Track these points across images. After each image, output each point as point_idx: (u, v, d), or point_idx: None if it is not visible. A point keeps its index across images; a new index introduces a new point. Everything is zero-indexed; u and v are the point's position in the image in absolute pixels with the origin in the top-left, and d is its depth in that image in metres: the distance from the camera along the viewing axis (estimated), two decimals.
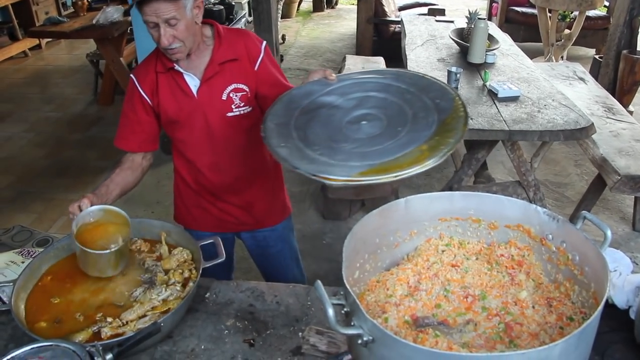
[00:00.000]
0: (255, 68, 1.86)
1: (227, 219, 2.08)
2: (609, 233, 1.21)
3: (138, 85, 1.84)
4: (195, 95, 1.83)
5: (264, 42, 1.90)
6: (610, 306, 1.41)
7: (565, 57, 6.36)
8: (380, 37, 6.49)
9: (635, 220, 3.51)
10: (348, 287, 1.10)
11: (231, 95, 1.85)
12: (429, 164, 1.34)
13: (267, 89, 1.88)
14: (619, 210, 3.73)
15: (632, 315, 1.37)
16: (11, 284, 1.53)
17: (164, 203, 3.84)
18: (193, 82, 1.83)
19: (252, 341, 1.50)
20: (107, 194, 1.76)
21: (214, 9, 4.80)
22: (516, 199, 1.38)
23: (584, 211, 1.29)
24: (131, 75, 1.87)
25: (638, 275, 1.42)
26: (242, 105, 1.87)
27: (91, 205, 1.65)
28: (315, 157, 1.44)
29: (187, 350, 1.47)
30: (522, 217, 1.37)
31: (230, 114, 1.86)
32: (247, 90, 1.87)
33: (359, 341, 1.05)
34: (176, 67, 1.80)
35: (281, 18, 8.45)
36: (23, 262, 1.77)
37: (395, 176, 1.33)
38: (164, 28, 1.64)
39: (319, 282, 1.07)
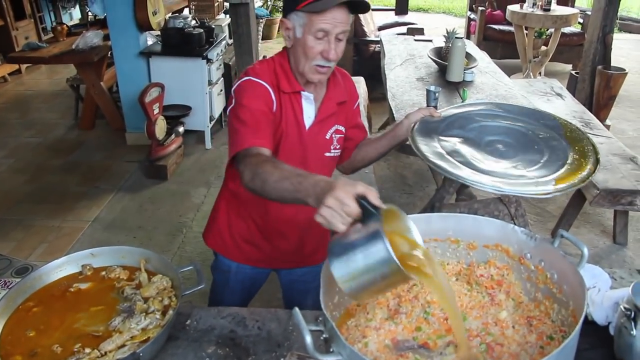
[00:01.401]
0: (354, 108, 1.86)
1: (276, 257, 1.95)
2: (585, 251, 1.21)
3: (266, 85, 1.61)
4: (307, 128, 1.72)
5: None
6: (590, 323, 1.42)
7: (543, 73, 6.47)
8: (360, 57, 6.56)
9: (615, 233, 3.54)
10: (326, 313, 1.10)
11: (333, 136, 1.78)
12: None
13: (353, 131, 1.88)
14: (599, 223, 3.77)
15: (612, 332, 1.37)
16: None
17: (145, 228, 3.80)
18: (308, 114, 1.71)
19: None
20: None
21: (194, 32, 4.81)
22: (493, 219, 1.39)
23: (560, 229, 1.30)
24: (248, 77, 1.62)
25: (617, 291, 1.43)
26: (338, 147, 1.81)
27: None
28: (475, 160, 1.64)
29: None
30: (500, 236, 1.38)
31: (327, 154, 1.79)
32: (344, 131, 1.81)
33: None
34: (303, 92, 1.67)
35: (262, 39, 8.50)
36: None
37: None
38: (334, 42, 1.53)
39: (296, 309, 1.07)
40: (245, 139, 1.52)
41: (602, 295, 1.43)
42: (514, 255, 1.37)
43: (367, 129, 3.86)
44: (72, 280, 1.67)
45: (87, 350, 1.42)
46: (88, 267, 1.71)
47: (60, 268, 1.70)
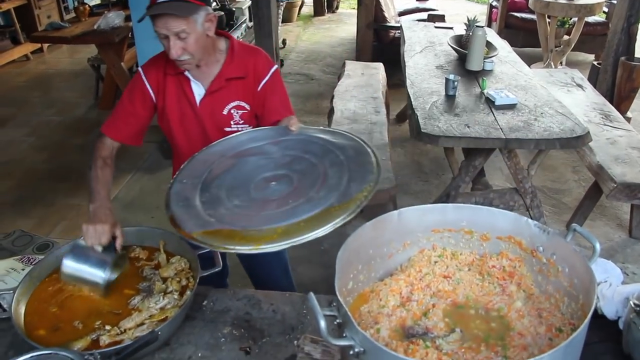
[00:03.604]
0: (258, 89, 1.90)
1: None
2: (597, 246, 1.23)
3: (145, 80, 1.88)
4: (198, 104, 1.88)
5: (275, 67, 1.93)
6: (599, 317, 1.43)
7: (564, 63, 6.39)
8: (380, 42, 6.52)
9: (632, 227, 3.52)
10: (340, 299, 1.13)
11: (232, 111, 1.90)
12: (263, 249, 1.36)
13: (264, 113, 1.92)
14: (616, 217, 3.75)
15: (621, 326, 1.39)
16: (11, 291, 1.55)
17: (163, 208, 3.85)
18: (198, 91, 1.88)
19: (248, 349, 1.52)
20: (110, 205, 1.74)
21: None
22: (508, 212, 1.40)
23: (574, 224, 1.31)
24: (139, 68, 1.91)
25: (628, 286, 1.44)
26: (241, 122, 1.91)
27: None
28: (194, 203, 1.56)
29: (184, 357, 1.49)
30: (514, 229, 1.40)
31: (228, 129, 1.91)
32: (249, 108, 1.91)
33: (351, 352, 1.07)
34: (186, 72, 1.85)
35: (282, 22, 8.48)
36: (23, 270, 1.78)
37: (224, 247, 1.42)
38: (174, 40, 1.68)
39: (312, 294, 1.10)
40: (106, 124, 1.91)
41: (614, 289, 1.44)
42: (526, 247, 1.38)
43: (386, 115, 3.87)
44: None
45: (108, 327, 1.47)
46: None
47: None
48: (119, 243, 1.63)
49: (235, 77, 1.88)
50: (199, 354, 1.50)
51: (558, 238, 1.30)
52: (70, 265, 1.59)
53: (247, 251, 1.38)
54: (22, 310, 1.53)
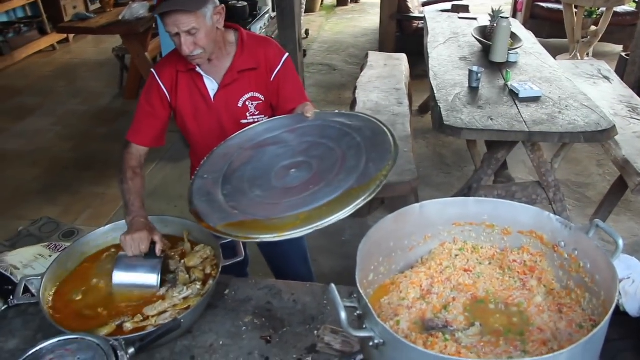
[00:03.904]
0: (271, 78, 1.91)
1: None
2: (620, 242, 1.22)
3: (158, 79, 1.90)
4: (212, 99, 1.90)
5: (286, 55, 1.93)
6: (621, 313, 1.42)
7: (591, 54, 6.27)
8: (403, 33, 6.47)
9: None
10: (361, 291, 1.14)
11: (247, 103, 1.91)
12: (287, 235, 1.37)
13: (280, 101, 1.93)
14: None
15: None
16: (39, 277, 1.59)
17: (186, 197, 3.90)
18: (212, 86, 1.89)
19: (269, 338, 1.54)
20: (146, 214, 1.76)
21: (238, 5, 4.84)
22: (529, 206, 1.40)
23: (596, 219, 1.30)
24: (152, 70, 1.93)
25: None
26: (256, 113, 1.93)
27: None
28: (217, 197, 1.58)
29: (206, 345, 1.52)
30: (535, 223, 1.39)
31: (244, 121, 1.92)
32: (263, 99, 1.92)
33: (371, 343, 1.08)
34: (197, 69, 1.86)
35: (305, 12, 8.47)
36: (50, 256, 1.84)
37: (248, 237, 1.43)
38: (185, 37, 1.69)
39: (333, 285, 1.11)
40: (132, 132, 1.93)
41: (637, 286, 1.43)
42: (547, 242, 1.38)
43: (408, 107, 3.85)
44: (119, 247, 1.75)
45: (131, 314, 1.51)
46: None
47: (107, 234, 1.79)
48: (158, 248, 1.64)
49: (248, 68, 1.88)
50: (221, 342, 1.53)
51: (580, 233, 1.29)
52: (120, 277, 1.61)
53: (271, 239, 1.40)
54: (51, 295, 1.57)
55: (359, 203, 1.38)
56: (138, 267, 1.62)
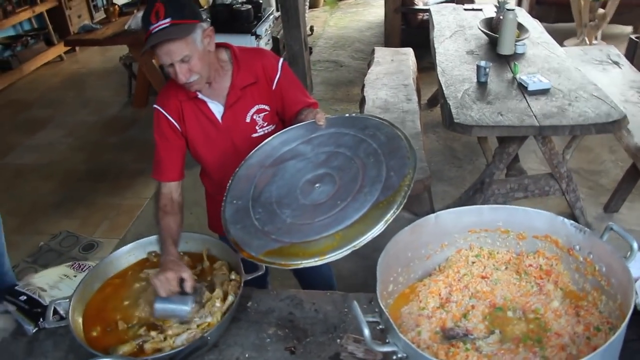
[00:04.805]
0: (273, 87, 1.92)
1: None
2: (635, 245, 1.23)
3: (165, 113, 1.89)
4: (220, 121, 1.90)
5: (281, 60, 1.94)
6: (638, 313, 1.43)
7: (599, 38, 6.22)
8: (409, 26, 6.46)
9: None
10: (382, 305, 1.17)
11: (254, 117, 1.92)
12: (329, 258, 1.40)
13: (286, 106, 1.95)
14: None
15: None
16: (67, 299, 1.64)
17: (201, 204, 3.89)
18: (217, 109, 1.89)
19: (293, 349, 1.58)
20: (175, 252, 1.74)
21: (242, 8, 4.86)
22: (543, 211, 1.41)
23: (610, 222, 1.32)
24: (155, 106, 1.91)
25: None
26: (265, 125, 1.94)
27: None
28: (251, 222, 1.60)
29: (232, 358, 1.56)
30: (550, 228, 1.41)
31: (255, 135, 1.93)
32: (269, 109, 1.93)
33: (394, 357, 1.12)
34: (199, 95, 1.86)
35: (308, 8, 8.46)
36: (75, 276, 1.88)
37: (291, 264, 1.45)
38: (179, 66, 1.68)
39: (355, 303, 1.14)
40: (156, 171, 1.93)
41: None
42: (562, 246, 1.40)
43: (417, 102, 3.86)
44: (141, 266, 1.80)
45: (153, 333, 1.56)
46: (154, 254, 1.83)
47: (129, 254, 1.84)
48: (187, 285, 1.61)
49: (249, 84, 1.88)
50: (246, 355, 1.57)
51: (594, 237, 1.31)
52: (159, 309, 1.61)
53: (314, 264, 1.42)
54: (80, 316, 1.62)
55: (389, 218, 1.42)
56: (173, 300, 1.61)
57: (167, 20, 1.62)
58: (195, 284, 1.63)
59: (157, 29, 1.62)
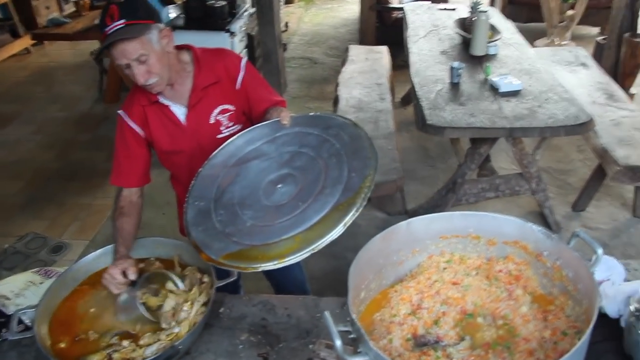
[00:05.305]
0: (237, 87, 1.91)
1: None
2: (600, 252, 1.27)
3: (128, 120, 1.88)
4: (184, 123, 1.89)
5: (244, 60, 1.93)
6: (602, 315, 1.47)
7: (569, 38, 6.33)
8: (383, 24, 6.49)
9: (635, 207, 3.55)
10: (353, 315, 1.18)
11: (219, 117, 1.90)
12: (288, 260, 1.42)
13: (252, 105, 1.94)
14: (620, 196, 3.76)
15: (623, 324, 1.43)
16: (33, 308, 1.59)
17: (173, 204, 3.88)
18: (180, 111, 1.88)
19: (266, 355, 1.57)
20: (124, 252, 1.76)
21: (216, 5, 4.79)
22: (513, 218, 1.44)
23: (577, 229, 1.35)
24: (119, 112, 1.90)
25: (629, 285, 1.48)
26: (230, 125, 1.93)
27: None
28: (212, 225, 1.60)
29: None
30: (519, 234, 1.44)
31: (220, 136, 1.91)
32: (234, 109, 1.92)
33: None
34: (160, 99, 1.85)
35: (284, 4, 8.42)
36: (42, 283, 1.84)
37: (249, 267, 1.47)
38: (136, 66, 1.67)
39: (327, 313, 1.15)
40: (115, 176, 1.95)
41: (616, 288, 1.48)
42: (532, 252, 1.43)
43: (391, 102, 3.88)
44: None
45: (124, 342, 1.54)
46: None
47: (98, 260, 1.81)
48: (129, 273, 1.66)
49: (210, 83, 1.87)
50: None
51: (562, 244, 1.34)
52: (121, 316, 1.65)
53: (272, 267, 1.44)
54: (46, 327, 1.58)
55: (348, 220, 1.43)
56: (126, 301, 1.66)
57: (122, 21, 1.63)
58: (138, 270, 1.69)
59: (111, 30, 1.63)
